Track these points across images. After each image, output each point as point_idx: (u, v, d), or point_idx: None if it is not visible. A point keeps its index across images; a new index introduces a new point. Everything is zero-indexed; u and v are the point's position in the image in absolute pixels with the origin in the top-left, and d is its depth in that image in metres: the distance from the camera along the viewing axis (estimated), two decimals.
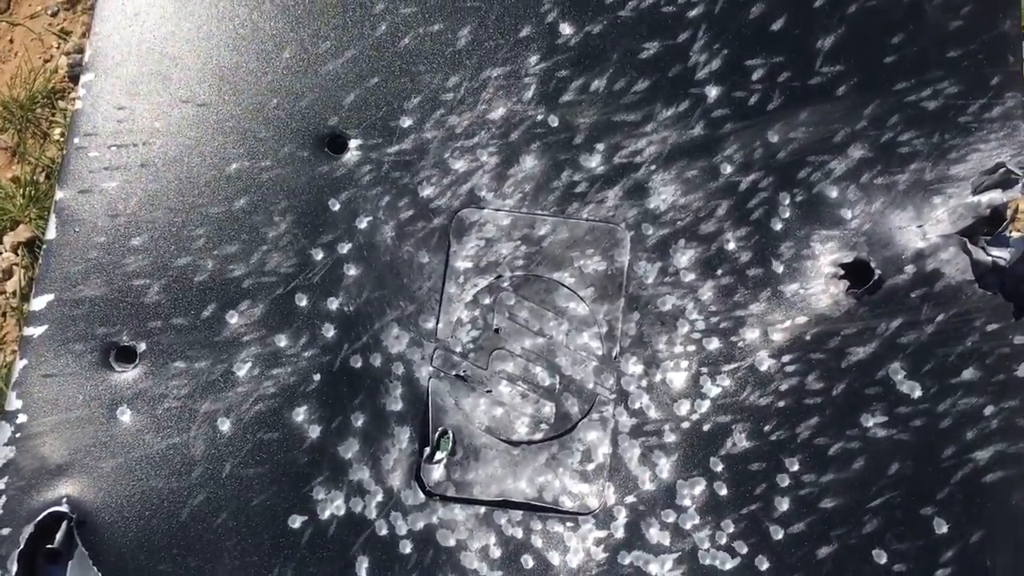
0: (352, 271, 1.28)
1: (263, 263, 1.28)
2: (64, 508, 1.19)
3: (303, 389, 1.24)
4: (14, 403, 1.23)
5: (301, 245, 1.29)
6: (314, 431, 1.23)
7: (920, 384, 1.25)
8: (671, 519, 1.22)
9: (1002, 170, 1.26)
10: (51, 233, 1.28)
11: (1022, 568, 1.20)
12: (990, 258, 1.23)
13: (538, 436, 1.26)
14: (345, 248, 1.29)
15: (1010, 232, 1.26)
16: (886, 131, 1.33)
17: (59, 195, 1.29)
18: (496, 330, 1.30)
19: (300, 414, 1.24)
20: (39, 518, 1.18)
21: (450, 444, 1.26)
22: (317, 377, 1.25)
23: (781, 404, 1.25)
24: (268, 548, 1.19)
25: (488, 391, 1.28)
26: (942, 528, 1.21)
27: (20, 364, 1.24)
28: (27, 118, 2.03)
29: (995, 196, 1.26)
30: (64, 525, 1.19)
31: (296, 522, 1.20)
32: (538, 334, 1.30)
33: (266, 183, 1.30)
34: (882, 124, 1.33)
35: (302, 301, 1.27)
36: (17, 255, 1.98)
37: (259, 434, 1.23)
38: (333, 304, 1.27)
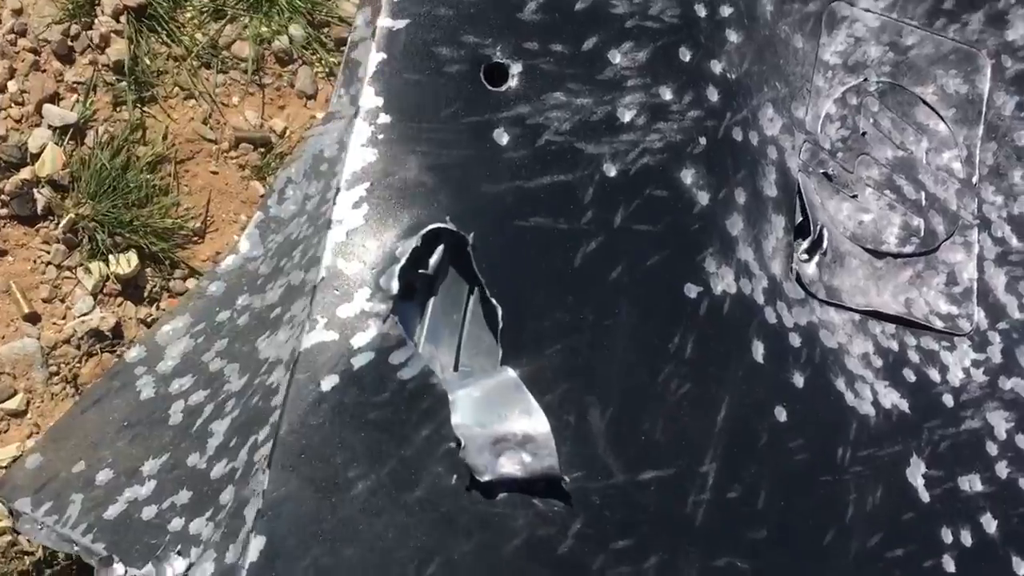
0: (733, 37, 1.15)
1: (647, 6, 1.12)
2: (450, 225, 0.97)
3: (689, 151, 1.09)
4: (372, 99, 1.00)
5: None
6: (702, 198, 1.08)
7: None
8: None
9: None
10: None
11: None
12: None
13: (904, 251, 1.18)
14: (727, 11, 1.15)
15: None
16: None
17: None
18: (863, 133, 1.20)
19: (688, 176, 1.08)
20: (425, 231, 0.96)
21: (824, 244, 1.15)
22: (703, 141, 1.10)
23: None
24: (667, 313, 1.03)
25: (853, 195, 1.18)
26: None
27: (377, 57, 1.01)
28: None
29: None
30: (441, 247, 0.97)
31: (692, 292, 1.04)
32: (900, 147, 1.22)
33: None
34: None
35: (686, 56, 1.12)
36: (119, 22, 1.65)
37: (648, 189, 1.06)
38: (716, 67, 1.13)
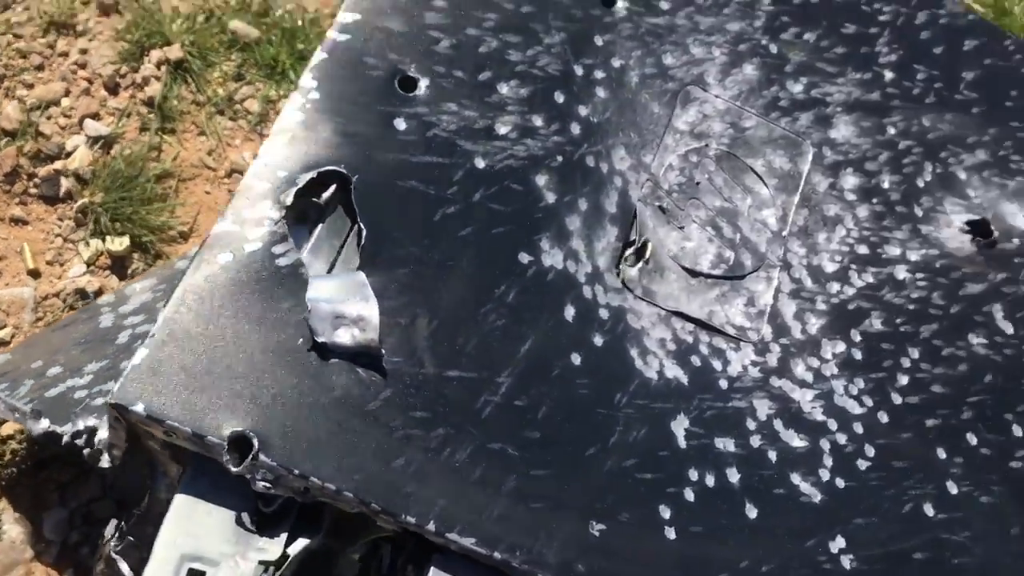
0: (601, 92, 1.51)
1: (536, 59, 1.48)
2: (343, 169, 1.30)
3: (547, 163, 1.43)
4: (309, 82, 1.36)
5: (567, 58, 1.50)
6: (550, 197, 1.40)
7: (1013, 325, 1.54)
8: (815, 364, 1.44)
9: None
10: None
11: None
12: None
13: (714, 273, 1.47)
14: (599, 74, 1.51)
15: None
16: (1002, 150, 1.69)
17: None
18: (697, 183, 1.53)
19: (541, 180, 1.41)
20: (322, 169, 1.29)
21: (647, 254, 1.45)
22: (560, 159, 1.44)
23: (911, 307, 1.51)
24: (500, 268, 1.33)
25: (680, 227, 1.49)
26: (1018, 432, 1.47)
27: (321, 56, 1.38)
28: None
29: None
30: (334, 186, 1.30)
31: (524, 258, 1.35)
32: (726, 198, 1.53)
33: (549, 1, 1.53)
34: (1000, 144, 1.70)
35: (560, 98, 1.47)
36: (159, 70, 2.07)
37: (507, 181, 1.39)
38: (583, 111, 1.48)
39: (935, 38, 1.76)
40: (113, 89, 2.02)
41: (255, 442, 1.12)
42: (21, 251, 1.83)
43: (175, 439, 1.15)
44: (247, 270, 1.22)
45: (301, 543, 1.17)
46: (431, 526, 1.15)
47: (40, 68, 1.99)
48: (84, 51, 2.04)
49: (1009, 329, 1.54)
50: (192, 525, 1.15)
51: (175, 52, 2.06)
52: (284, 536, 1.17)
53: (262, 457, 1.12)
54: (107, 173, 1.90)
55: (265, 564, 1.14)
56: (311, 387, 1.18)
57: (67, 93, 1.98)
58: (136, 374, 1.14)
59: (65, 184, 1.89)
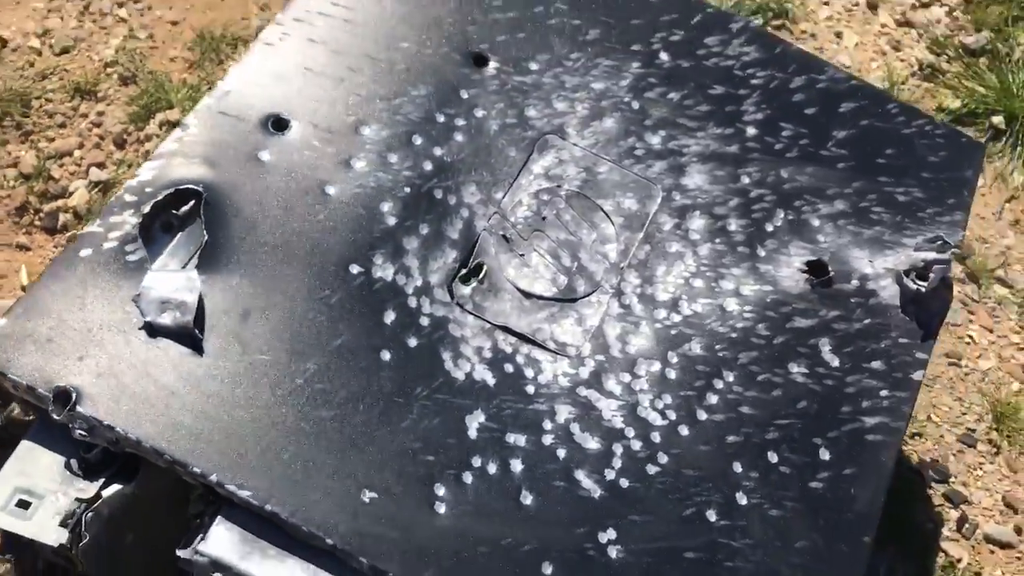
0: (459, 137, 1.71)
1: (399, 108, 1.71)
2: (199, 188, 1.56)
3: (394, 192, 1.64)
4: (191, 120, 1.63)
5: (429, 107, 1.73)
6: (390, 221, 1.61)
7: (839, 359, 1.62)
8: (626, 379, 1.56)
9: (939, 242, 1.70)
10: (269, 36, 1.74)
11: (876, 504, 1.50)
12: (915, 286, 1.64)
13: (546, 295, 1.63)
14: (460, 122, 1.73)
15: (931, 271, 1.67)
16: (864, 201, 1.79)
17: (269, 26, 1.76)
18: (543, 217, 1.70)
19: (386, 206, 1.62)
20: (179, 186, 1.55)
21: (481, 275, 1.62)
22: (407, 190, 1.65)
23: (733, 335, 1.62)
24: (328, 276, 1.54)
25: (521, 254, 1.66)
26: (825, 456, 1.53)
27: (206, 101, 1.66)
28: (212, 47, 2.54)
29: (929, 255, 1.69)
30: (192, 202, 1.55)
31: (354, 269, 1.55)
32: (571, 233, 1.70)
33: (423, 61, 1.77)
34: (863, 197, 1.79)
35: (417, 140, 1.69)
36: (160, 129, 2.42)
37: (353, 207, 1.61)
38: (438, 151, 1.69)
39: (809, 100, 1.88)
40: (120, 144, 2.38)
41: (74, 395, 1.35)
42: (19, 271, 2.17)
43: (19, 393, 1.40)
44: (101, 262, 1.48)
45: (115, 487, 1.38)
46: (213, 478, 1.35)
47: (63, 126, 2.37)
48: (101, 113, 2.41)
49: (835, 362, 1.62)
50: (28, 466, 1.39)
51: (175, 114, 2.41)
52: (102, 481, 1.39)
53: (79, 409, 1.35)
54: (97, 208, 2.23)
55: (80, 501, 1.36)
56: (136, 357, 1.41)
57: (81, 146, 2.34)
58: None
59: (63, 218, 2.23)
